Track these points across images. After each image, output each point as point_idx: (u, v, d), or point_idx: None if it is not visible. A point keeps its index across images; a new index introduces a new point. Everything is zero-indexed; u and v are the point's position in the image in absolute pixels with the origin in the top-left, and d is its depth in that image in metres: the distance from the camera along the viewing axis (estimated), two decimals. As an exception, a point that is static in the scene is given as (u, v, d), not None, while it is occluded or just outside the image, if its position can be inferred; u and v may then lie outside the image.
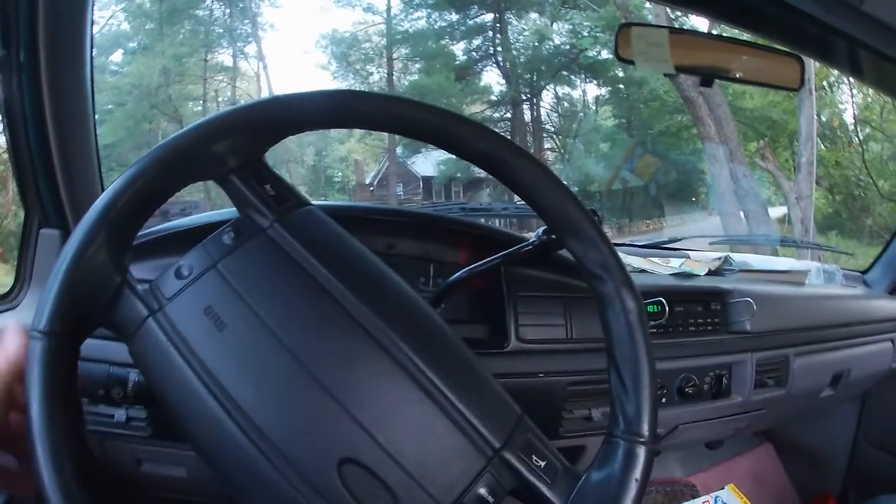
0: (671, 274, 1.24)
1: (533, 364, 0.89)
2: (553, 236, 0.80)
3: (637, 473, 0.50)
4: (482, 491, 0.49)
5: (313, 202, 0.59)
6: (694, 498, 1.51)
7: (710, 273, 1.29)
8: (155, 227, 0.85)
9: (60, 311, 0.46)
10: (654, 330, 1.02)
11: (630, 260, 1.27)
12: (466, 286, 0.92)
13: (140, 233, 0.54)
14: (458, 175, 10.22)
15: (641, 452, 0.50)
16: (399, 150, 10.73)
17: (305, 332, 0.50)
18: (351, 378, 0.49)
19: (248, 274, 0.52)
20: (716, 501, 1.34)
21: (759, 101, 9.38)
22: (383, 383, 0.50)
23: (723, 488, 1.37)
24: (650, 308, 0.99)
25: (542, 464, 0.52)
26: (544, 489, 0.51)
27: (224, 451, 0.49)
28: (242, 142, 0.54)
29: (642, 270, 1.24)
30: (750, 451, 1.91)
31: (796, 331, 1.26)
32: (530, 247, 0.84)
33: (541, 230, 0.82)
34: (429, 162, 10.50)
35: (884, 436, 1.74)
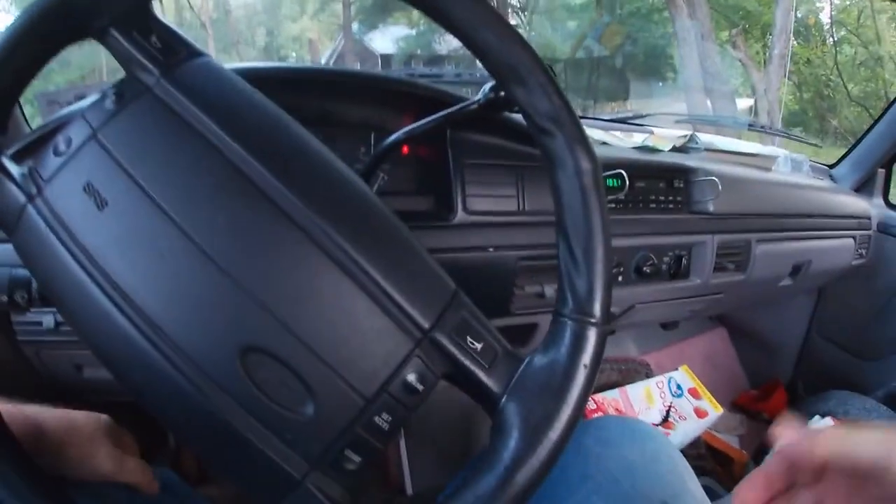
0: (634, 147, 1.16)
1: (481, 237, 0.82)
2: (502, 93, 0.69)
3: (586, 358, 0.44)
4: (410, 378, 0.44)
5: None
6: (648, 377, 1.52)
7: (674, 149, 1.22)
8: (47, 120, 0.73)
9: None
10: (613, 205, 0.96)
11: (591, 133, 1.18)
12: (411, 156, 0.84)
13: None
14: (419, 52, 9.57)
15: (592, 334, 0.44)
16: (355, 26, 10.08)
17: (196, 204, 0.43)
18: (250, 253, 0.43)
19: (130, 141, 0.45)
20: (669, 382, 1.34)
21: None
22: (290, 259, 0.43)
23: (676, 369, 1.38)
24: (610, 182, 0.92)
25: (479, 346, 0.46)
26: (481, 374, 0.45)
27: (115, 345, 0.43)
28: None
29: (603, 143, 1.16)
30: (703, 334, 1.93)
31: (760, 216, 1.22)
32: (475, 105, 0.73)
33: (488, 86, 0.71)
34: (387, 38, 9.88)
35: (837, 330, 1.77)
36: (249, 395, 0.41)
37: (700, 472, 1.41)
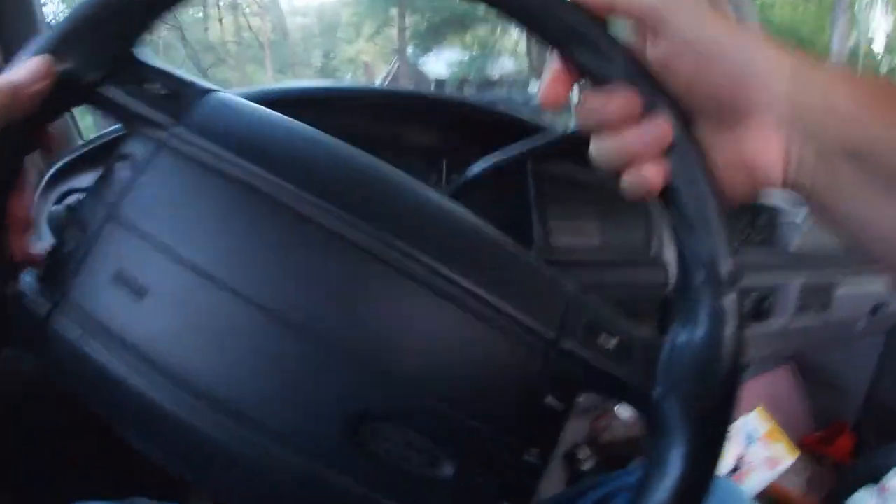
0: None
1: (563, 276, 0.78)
2: None
3: (731, 325, 0.38)
4: (548, 400, 0.38)
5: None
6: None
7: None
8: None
9: None
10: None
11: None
12: (486, 185, 0.79)
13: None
14: (471, 77, 9.66)
15: (727, 299, 0.38)
16: (409, 49, 10.18)
17: (256, 265, 0.37)
18: (337, 307, 0.37)
19: (158, 209, 0.37)
20: (744, 426, 1.30)
21: (789, 15, 8.97)
22: (384, 302, 0.37)
23: (751, 412, 1.33)
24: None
25: (613, 342, 0.39)
26: (622, 373, 0.39)
27: (199, 451, 0.37)
28: (97, 42, 0.38)
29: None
30: (770, 372, 1.86)
31: (844, 255, 1.16)
32: (563, 136, 0.71)
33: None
34: (441, 62, 9.96)
35: None
36: (373, 470, 0.36)
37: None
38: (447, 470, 0.36)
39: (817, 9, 9.21)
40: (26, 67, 0.34)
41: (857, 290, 1.22)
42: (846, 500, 1.39)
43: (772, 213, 1.04)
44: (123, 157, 0.38)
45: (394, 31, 10.34)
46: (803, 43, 8.87)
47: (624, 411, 1.09)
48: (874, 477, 1.44)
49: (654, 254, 0.84)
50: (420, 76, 10.27)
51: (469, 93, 9.03)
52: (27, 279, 0.37)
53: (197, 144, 0.38)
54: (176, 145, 0.38)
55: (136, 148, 0.38)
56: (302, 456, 0.35)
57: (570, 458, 1.40)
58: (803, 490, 1.55)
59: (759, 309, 1.03)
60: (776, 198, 1.08)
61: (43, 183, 0.71)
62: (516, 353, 0.38)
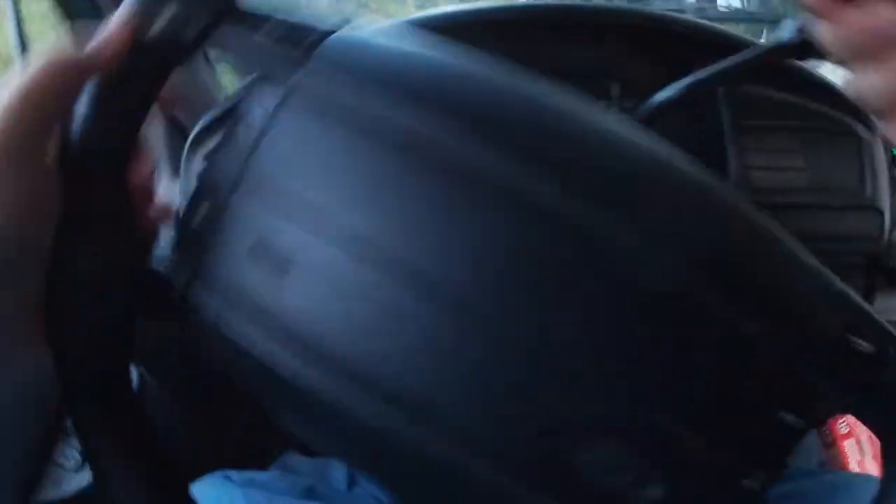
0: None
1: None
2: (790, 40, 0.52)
3: None
4: (784, 416, 0.30)
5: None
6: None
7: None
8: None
9: None
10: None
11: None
12: (674, 113, 0.65)
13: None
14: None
15: None
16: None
17: (427, 232, 0.29)
18: (535, 292, 0.29)
19: (293, 166, 0.31)
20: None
21: None
22: (597, 294, 0.29)
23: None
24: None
25: (869, 346, 0.30)
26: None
27: (379, 449, 0.32)
28: None
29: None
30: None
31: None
32: (761, 54, 0.56)
33: (791, 27, 0.52)
34: None
35: None
36: (570, 486, 0.30)
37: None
38: (655, 492, 0.30)
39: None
40: (107, 36, 0.31)
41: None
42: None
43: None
44: (248, 108, 0.32)
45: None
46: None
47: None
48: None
49: (868, 196, 0.71)
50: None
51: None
52: (163, 249, 0.34)
53: (332, 86, 0.31)
54: (308, 87, 0.31)
55: (262, 96, 0.32)
56: (489, 463, 0.30)
57: None
58: None
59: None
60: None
61: (188, 143, 0.67)
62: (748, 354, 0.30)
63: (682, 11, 1.08)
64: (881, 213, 0.71)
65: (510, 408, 0.29)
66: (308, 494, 0.54)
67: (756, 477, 0.31)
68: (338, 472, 0.61)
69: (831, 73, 0.70)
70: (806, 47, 0.51)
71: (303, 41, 0.33)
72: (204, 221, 0.32)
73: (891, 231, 0.34)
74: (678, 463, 0.30)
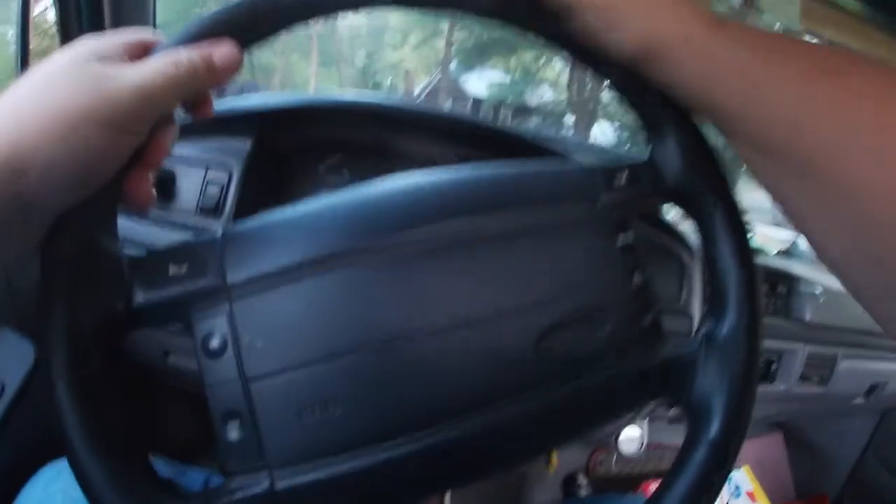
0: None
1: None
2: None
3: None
4: (620, 240, 0.45)
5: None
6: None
7: (779, 253, 1.23)
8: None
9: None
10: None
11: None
12: None
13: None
14: (510, 100, 9.63)
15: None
16: (453, 64, 10.15)
17: (408, 304, 0.40)
18: (489, 292, 0.42)
19: (278, 345, 0.39)
20: (730, 481, 1.33)
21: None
22: (490, 263, 0.42)
23: (738, 469, 1.37)
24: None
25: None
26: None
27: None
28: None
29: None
30: (760, 437, 1.90)
31: (851, 332, 1.21)
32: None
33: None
34: (482, 82, 9.90)
35: (892, 455, 1.71)
36: (573, 363, 0.42)
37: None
38: (602, 332, 0.43)
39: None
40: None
41: (858, 367, 1.26)
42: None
43: (791, 283, 1.09)
44: (210, 334, 0.38)
45: (440, 44, 10.34)
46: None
47: (626, 446, 1.13)
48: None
49: (682, 303, 0.88)
50: (459, 92, 10.24)
51: (504, 115, 9.04)
52: (230, 487, 0.37)
53: (256, 277, 0.39)
54: (244, 292, 0.38)
55: (212, 322, 0.38)
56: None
57: (569, 484, 1.46)
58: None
59: (766, 372, 1.08)
60: (797, 268, 1.12)
61: None
62: (581, 230, 0.45)
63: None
64: (690, 318, 0.89)
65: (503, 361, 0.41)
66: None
67: (637, 278, 0.44)
68: (195, 474, 0.68)
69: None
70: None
71: (210, 254, 0.39)
72: (245, 439, 0.37)
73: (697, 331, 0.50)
74: (606, 310, 0.43)
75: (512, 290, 0.42)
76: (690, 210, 0.47)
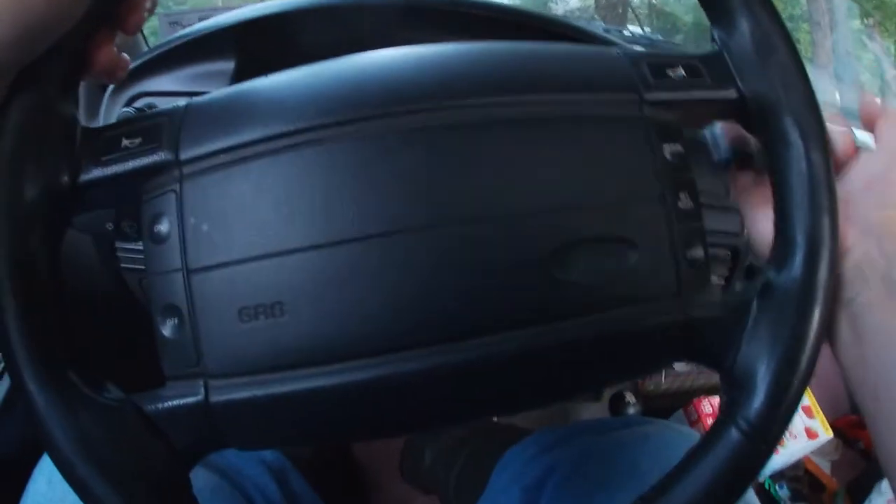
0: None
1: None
2: None
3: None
4: (667, 149, 0.39)
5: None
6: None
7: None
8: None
9: None
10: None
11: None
12: None
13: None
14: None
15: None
16: None
17: (387, 193, 0.34)
18: (457, 181, 0.34)
19: (228, 233, 0.34)
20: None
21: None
22: (472, 154, 0.35)
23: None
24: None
25: (680, 71, 0.41)
26: (703, 91, 0.40)
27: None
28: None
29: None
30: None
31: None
32: None
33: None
34: None
35: None
36: (592, 297, 0.36)
37: (796, 496, 1.33)
38: (632, 258, 0.36)
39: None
40: None
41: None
42: (873, 486, 1.36)
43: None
44: (157, 216, 0.35)
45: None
46: (884, 6, 8.39)
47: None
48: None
49: (732, 200, 0.78)
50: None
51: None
52: (161, 394, 0.34)
53: (210, 153, 0.35)
54: (195, 169, 0.34)
55: (161, 202, 0.35)
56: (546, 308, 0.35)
57: (617, 401, 1.41)
58: (829, 472, 1.52)
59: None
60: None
61: (111, 87, 0.71)
62: (620, 128, 0.38)
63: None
64: (739, 214, 0.78)
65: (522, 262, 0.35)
66: None
67: (684, 198, 0.38)
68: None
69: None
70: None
71: (164, 127, 0.36)
72: (184, 330, 0.34)
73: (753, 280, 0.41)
74: (637, 232, 0.37)
75: (524, 190, 0.35)
76: (759, 125, 0.40)
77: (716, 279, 0.87)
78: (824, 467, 1.53)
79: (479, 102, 0.36)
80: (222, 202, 0.33)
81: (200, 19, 0.88)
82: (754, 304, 0.37)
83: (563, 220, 0.35)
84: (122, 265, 0.73)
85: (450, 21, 0.74)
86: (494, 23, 0.75)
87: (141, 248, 0.67)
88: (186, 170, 0.34)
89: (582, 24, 0.77)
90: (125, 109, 0.70)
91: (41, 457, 0.58)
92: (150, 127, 0.35)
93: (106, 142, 0.35)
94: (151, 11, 0.38)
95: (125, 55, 0.38)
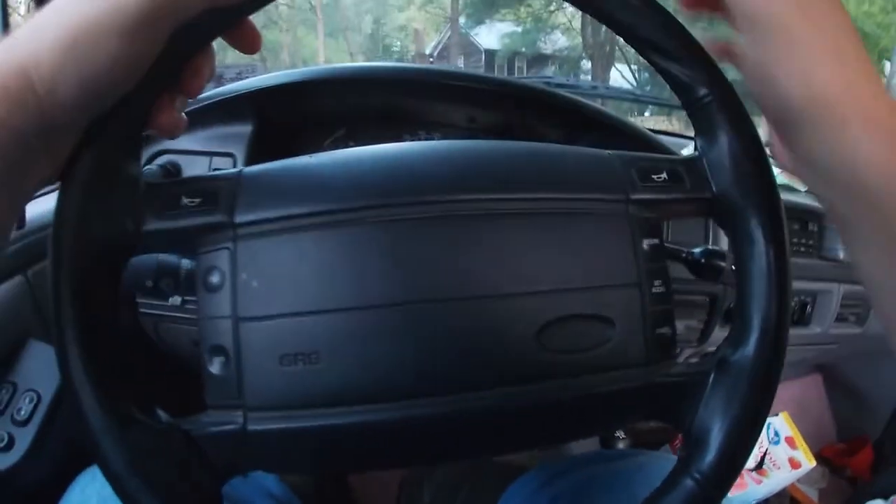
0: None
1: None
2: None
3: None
4: (646, 244, 0.43)
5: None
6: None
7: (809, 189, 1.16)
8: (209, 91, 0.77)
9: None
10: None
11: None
12: None
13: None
14: (523, 50, 9.48)
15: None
16: (462, 19, 9.94)
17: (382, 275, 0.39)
18: (464, 262, 0.39)
19: (273, 291, 0.38)
20: (769, 427, 1.30)
21: (854, 10, 8.69)
22: (489, 246, 0.40)
23: (777, 415, 1.33)
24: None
25: (664, 175, 0.44)
26: (682, 191, 0.44)
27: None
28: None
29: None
30: (799, 379, 1.85)
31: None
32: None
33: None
34: (493, 34, 9.74)
35: None
36: (573, 363, 0.40)
37: (782, 523, 1.36)
38: (611, 333, 0.41)
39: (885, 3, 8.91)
40: None
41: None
42: (859, 513, 1.39)
43: (822, 220, 1.03)
44: (211, 269, 0.38)
45: (446, 0, 10.21)
46: (866, 38, 8.58)
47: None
48: (887, 494, 1.43)
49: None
50: (471, 46, 10.07)
51: (519, 66, 8.84)
52: (204, 420, 0.38)
53: (263, 220, 0.39)
54: (248, 232, 0.39)
55: (215, 257, 0.39)
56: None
57: (608, 436, 1.43)
58: (817, 499, 1.55)
59: (800, 315, 1.04)
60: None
61: None
62: (608, 224, 0.42)
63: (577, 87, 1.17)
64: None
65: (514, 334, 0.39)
66: None
67: (658, 285, 0.42)
68: None
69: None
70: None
71: (221, 192, 0.39)
72: (227, 376, 0.37)
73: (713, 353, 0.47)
74: (615, 310, 0.41)
75: (521, 274, 0.40)
76: (729, 224, 0.43)
77: (696, 324, 0.91)
78: (812, 495, 1.56)
79: (491, 197, 0.41)
80: (271, 263, 0.38)
81: (237, 74, 0.95)
82: (712, 375, 0.42)
83: (553, 299, 0.40)
84: (141, 310, 0.78)
85: (454, 93, 0.81)
86: (499, 96, 0.82)
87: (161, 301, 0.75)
88: (240, 231, 0.38)
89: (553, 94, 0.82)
90: (149, 167, 0.73)
91: (63, 494, 0.61)
92: (209, 189, 0.39)
93: (168, 198, 0.39)
94: (212, 76, 0.41)
95: (184, 116, 0.41)
